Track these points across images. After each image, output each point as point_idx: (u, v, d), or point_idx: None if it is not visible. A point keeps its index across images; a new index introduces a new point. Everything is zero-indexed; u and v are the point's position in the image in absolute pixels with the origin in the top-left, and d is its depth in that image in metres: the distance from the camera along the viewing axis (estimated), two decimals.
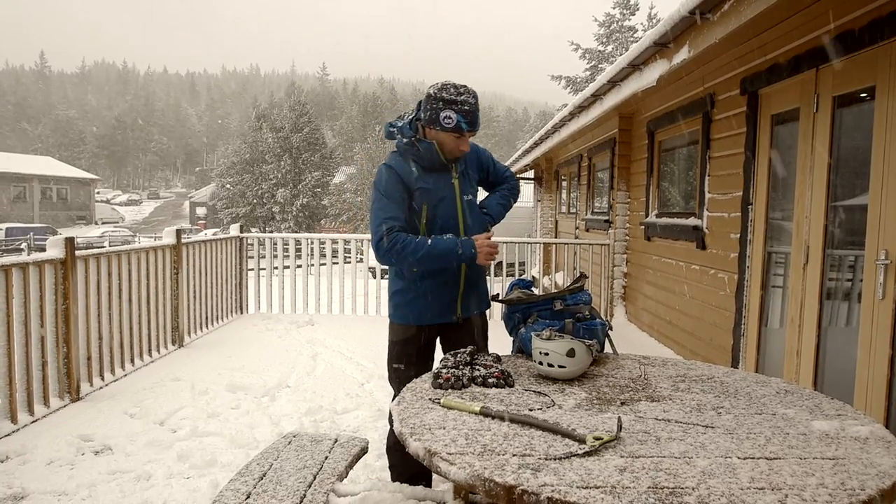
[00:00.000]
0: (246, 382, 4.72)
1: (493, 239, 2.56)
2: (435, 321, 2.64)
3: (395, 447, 2.72)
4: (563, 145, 10.17)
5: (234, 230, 7.73)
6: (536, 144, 11.37)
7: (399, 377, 2.65)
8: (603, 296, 7.51)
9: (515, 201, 2.90)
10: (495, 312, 7.55)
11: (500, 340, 3.12)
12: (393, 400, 2.75)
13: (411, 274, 2.59)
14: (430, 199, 2.53)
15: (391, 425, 2.76)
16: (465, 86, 2.45)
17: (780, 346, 3.89)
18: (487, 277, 7.66)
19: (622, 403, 1.91)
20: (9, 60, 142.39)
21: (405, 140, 2.54)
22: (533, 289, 2.72)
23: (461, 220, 2.59)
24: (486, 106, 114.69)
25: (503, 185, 2.88)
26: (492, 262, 2.56)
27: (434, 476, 2.83)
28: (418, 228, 2.55)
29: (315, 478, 2.27)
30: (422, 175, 2.53)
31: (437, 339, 2.76)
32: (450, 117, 2.40)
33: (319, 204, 43.13)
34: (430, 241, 2.44)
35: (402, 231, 2.45)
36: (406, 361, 2.64)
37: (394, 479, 2.79)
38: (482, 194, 2.90)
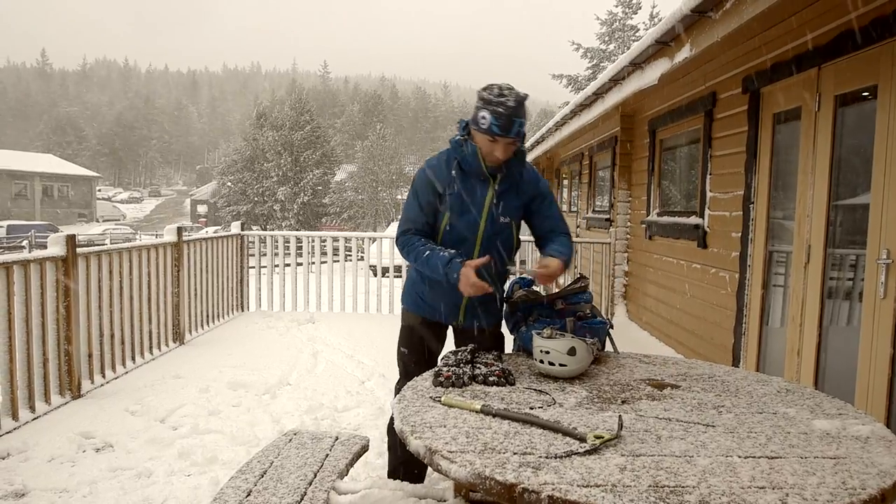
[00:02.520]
0: (247, 380, 4.72)
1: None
2: (435, 319, 2.66)
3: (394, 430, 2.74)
4: (564, 144, 10.17)
5: (235, 228, 7.73)
6: (538, 143, 11.37)
7: (402, 359, 2.76)
8: (604, 294, 7.51)
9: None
10: None
11: None
12: (398, 382, 2.78)
13: None
14: (455, 205, 2.46)
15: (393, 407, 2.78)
16: (511, 88, 2.33)
17: (781, 345, 3.89)
18: None
19: (623, 402, 1.91)
20: (10, 58, 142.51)
21: (458, 137, 2.49)
22: (534, 287, 2.72)
23: (479, 238, 2.48)
24: None
25: (562, 237, 2.59)
26: (479, 293, 2.37)
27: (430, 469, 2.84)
28: (438, 231, 2.52)
29: (316, 475, 2.27)
30: (460, 177, 2.46)
31: (449, 338, 2.78)
32: (485, 118, 2.31)
33: (320, 202, 43.15)
34: (427, 252, 2.43)
35: (417, 233, 2.51)
36: (408, 346, 2.72)
37: (390, 460, 2.81)
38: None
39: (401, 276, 7.71)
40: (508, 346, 2.77)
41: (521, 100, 2.33)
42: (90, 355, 4.51)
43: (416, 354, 2.70)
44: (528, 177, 2.57)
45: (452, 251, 2.43)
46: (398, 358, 2.79)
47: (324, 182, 43.30)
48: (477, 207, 2.46)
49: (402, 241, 2.53)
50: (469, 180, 2.46)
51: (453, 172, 2.47)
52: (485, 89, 2.35)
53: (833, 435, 1.66)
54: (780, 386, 2.11)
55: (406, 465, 2.73)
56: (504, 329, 2.75)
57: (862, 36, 3.05)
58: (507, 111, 2.28)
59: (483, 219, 2.47)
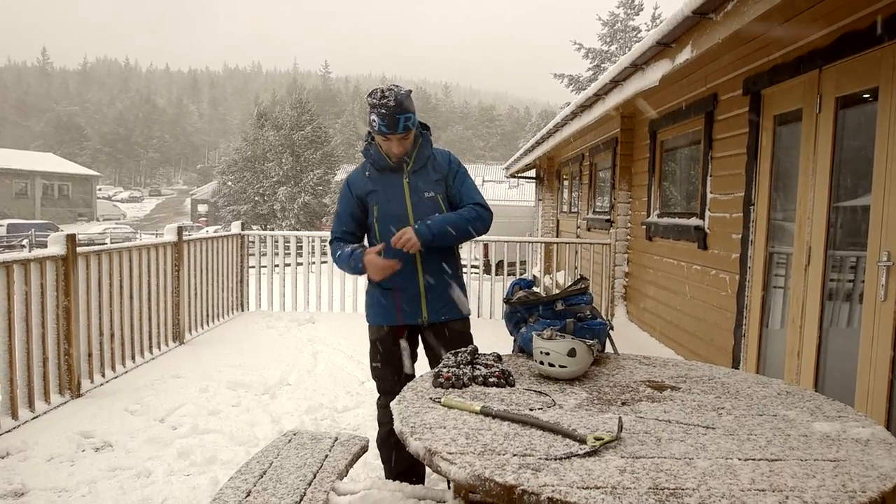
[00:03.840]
0: (246, 380, 4.72)
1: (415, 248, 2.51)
2: (398, 322, 2.70)
3: (385, 442, 2.79)
4: (564, 144, 10.16)
5: (235, 228, 7.73)
6: (538, 143, 11.36)
7: (376, 374, 2.81)
8: (604, 295, 7.50)
9: (477, 230, 2.65)
10: (496, 312, 7.56)
11: (501, 340, 3.12)
12: (378, 400, 2.80)
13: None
14: (379, 198, 2.67)
15: (379, 423, 2.81)
16: (391, 89, 2.52)
17: (781, 347, 3.88)
18: (487, 277, 7.65)
19: (623, 404, 1.91)
20: (10, 56, 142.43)
21: (364, 144, 2.75)
22: (534, 288, 2.72)
23: (410, 217, 2.64)
24: (488, 104, 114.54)
25: (466, 208, 2.68)
26: (386, 276, 2.56)
27: (428, 471, 2.85)
28: (374, 226, 2.69)
29: (315, 476, 2.27)
30: (375, 177, 2.70)
31: (419, 342, 2.83)
32: (374, 121, 2.54)
33: (321, 202, 43.13)
34: (339, 253, 2.68)
35: (340, 240, 2.74)
36: (379, 360, 2.77)
37: (387, 474, 2.82)
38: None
39: None
40: (499, 337, 2.78)
41: (401, 98, 2.52)
42: (90, 354, 4.51)
43: (389, 367, 2.75)
44: (440, 157, 2.77)
45: (354, 245, 2.68)
46: (372, 375, 2.83)
47: (324, 182, 43.27)
48: (398, 192, 2.66)
49: (330, 251, 2.76)
50: (384, 175, 2.69)
51: (367, 173, 2.72)
52: (370, 95, 2.55)
53: (833, 437, 1.66)
54: (781, 388, 2.11)
55: (400, 477, 2.74)
56: (499, 320, 2.78)
57: (863, 38, 3.05)
58: (389, 111, 2.50)
59: (408, 200, 2.66)
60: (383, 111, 2.49)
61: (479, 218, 2.66)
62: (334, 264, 2.78)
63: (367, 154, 2.72)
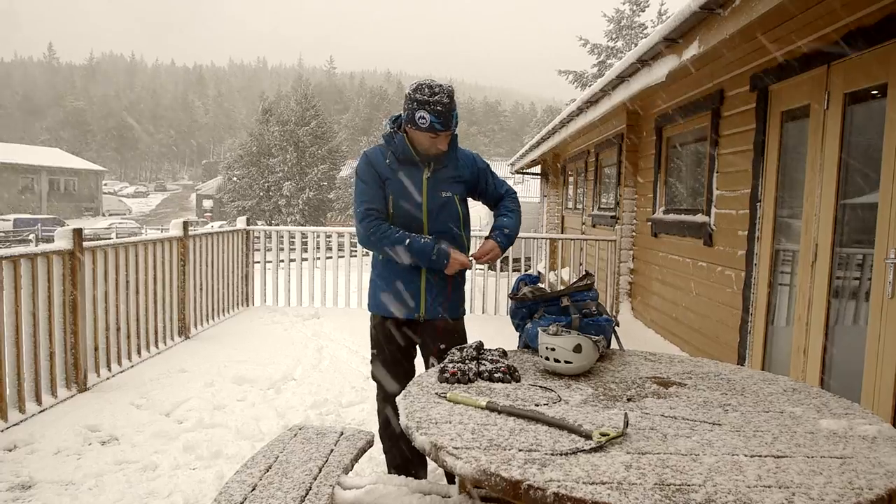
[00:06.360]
0: (252, 375, 4.73)
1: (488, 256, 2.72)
2: (395, 315, 2.71)
3: (383, 434, 2.83)
4: (570, 141, 10.13)
5: (240, 223, 7.74)
6: (543, 140, 11.33)
7: (373, 361, 2.84)
8: (609, 292, 7.49)
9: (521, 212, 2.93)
10: (501, 308, 7.55)
11: (506, 335, 3.12)
12: (378, 392, 2.81)
13: (377, 265, 2.76)
14: (395, 190, 2.63)
15: (379, 414, 2.82)
16: (440, 85, 2.49)
17: (787, 344, 3.87)
18: (492, 273, 7.65)
19: (629, 399, 1.91)
20: (17, 52, 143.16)
21: (388, 131, 2.67)
22: (539, 284, 2.72)
23: (425, 215, 2.63)
24: (494, 100, 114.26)
25: (506, 200, 2.87)
26: (456, 271, 2.65)
27: (432, 465, 2.86)
28: (387, 213, 2.65)
29: (321, 470, 2.28)
30: (394, 166, 2.63)
31: (418, 335, 2.83)
32: (423, 118, 2.47)
33: (325, 197, 43.20)
34: (409, 239, 2.56)
35: (380, 219, 2.61)
36: (377, 348, 2.81)
37: (388, 464, 2.83)
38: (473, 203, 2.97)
39: None
40: (504, 333, 2.79)
41: (452, 94, 2.51)
42: (96, 349, 4.53)
43: (383, 354, 2.78)
44: (464, 159, 2.74)
45: (431, 237, 2.60)
46: (371, 360, 2.86)
47: (329, 178, 43.35)
48: (416, 188, 2.63)
49: (373, 227, 2.59)
50: (404, 167, 2.63)
51: (387, 161, 2.64)
52: (416, 90, 2.49)
53: (840, 434, 1.65)
54: (787, 385, 2.11)
55: (400, 469, 2.76)
56: (505, 316, 2.79)
57: (872, 33, 3.03)
58: (444, 108, 2.47)
59: (424, 197, 2.63)
60: (439, 108, 2.45)
61: (518, 202, 2.88)
62: (376, 245, 2.61)
63: (391, 142, 2.63)
